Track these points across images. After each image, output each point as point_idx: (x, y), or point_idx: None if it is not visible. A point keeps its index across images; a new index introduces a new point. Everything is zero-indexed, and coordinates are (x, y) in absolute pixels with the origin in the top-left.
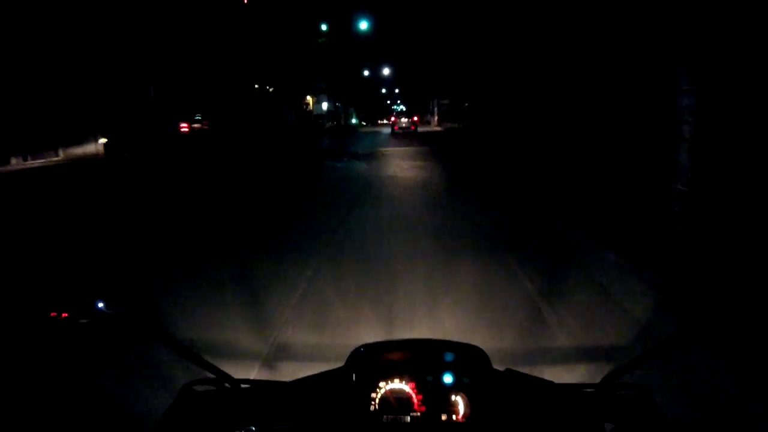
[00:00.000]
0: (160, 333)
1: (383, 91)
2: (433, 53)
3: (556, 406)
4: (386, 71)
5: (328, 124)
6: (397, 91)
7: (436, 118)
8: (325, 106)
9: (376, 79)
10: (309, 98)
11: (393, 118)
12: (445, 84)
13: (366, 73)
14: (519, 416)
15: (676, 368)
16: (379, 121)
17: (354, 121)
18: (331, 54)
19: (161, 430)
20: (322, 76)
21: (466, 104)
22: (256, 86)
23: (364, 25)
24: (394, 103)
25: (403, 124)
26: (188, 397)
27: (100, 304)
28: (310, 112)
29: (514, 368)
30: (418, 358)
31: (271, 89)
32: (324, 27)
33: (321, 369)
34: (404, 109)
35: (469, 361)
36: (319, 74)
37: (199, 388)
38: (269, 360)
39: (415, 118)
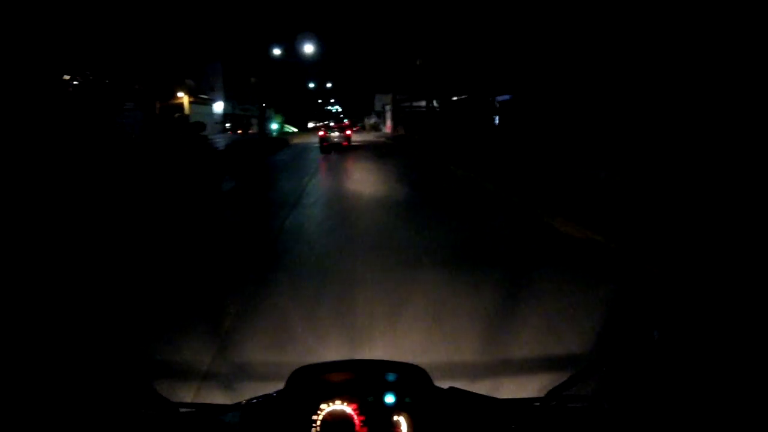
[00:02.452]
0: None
1: (311, 85)
2: (380, 20)
3: (500, 423)
4: (309, 49)
5: (220, 137)
6: (329, 85)
7: (389, 122)
8: (219, 107)
9: (299, 66)
10: (183, 96)
11: (321, 132)
12: (404, 73)
13: (276, 51)
14: None
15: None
16: (310, 125)
17: (274, 126)
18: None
19: None
20: (201, 57)
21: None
22: (67, 77)
23: None
24: (326, 102)
25: (335, 138)
26: (126, 422)
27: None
28: (185, 117)
29: (457, 386)
30: (359, 379)
31: (106, 81)
32: None
33: None
34: (340, 109)
35: (410, 380)
36: (190, 54)
37: (138, 411)
38: None
39: (348, 132)
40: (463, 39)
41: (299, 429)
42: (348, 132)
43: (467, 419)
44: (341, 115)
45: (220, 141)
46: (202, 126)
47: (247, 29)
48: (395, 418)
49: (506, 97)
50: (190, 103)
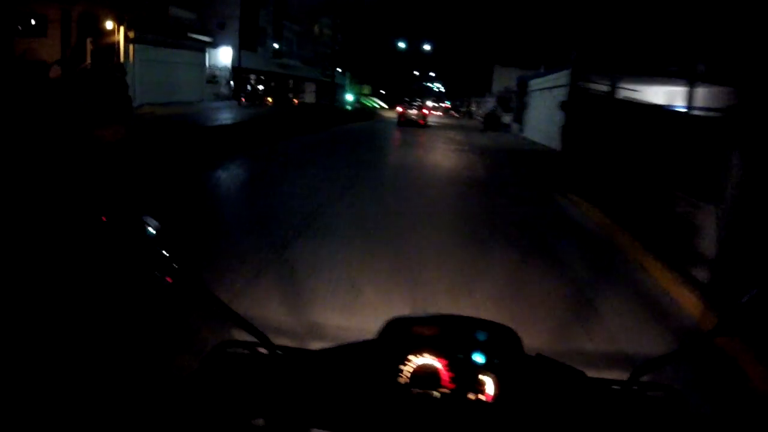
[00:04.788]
0: (201, 288)
1: (401, 45)
2: None
3: (584, 398)
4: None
5: (225, 108)
6: (427, 47)
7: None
8: (227, 56)
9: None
10: (113, 28)
11: (400, 108)
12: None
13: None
14: (547, 402)
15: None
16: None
17: (349, 98)
18: None
19: (188, 388)
20: None
21: None
22: None
23: None
24: (425, 77)
25: (412, 115)
26: (218, 359)
27: (149, 224)
28: (105, 66)
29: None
30: (451, 335)
31: None
32: None
33: None
34: (442, 89)
35: (501, 341)
36: None
37: (232, 349)
38: None
39: (425, 112)
40: None
41: (387, 377)
42: (425, 111)
43: (552, 387)
44: (443, 95)
45: (226, 114)
46: (123, 84)
47: None
48: (482, 377)
49: None
50: (132, 41)
